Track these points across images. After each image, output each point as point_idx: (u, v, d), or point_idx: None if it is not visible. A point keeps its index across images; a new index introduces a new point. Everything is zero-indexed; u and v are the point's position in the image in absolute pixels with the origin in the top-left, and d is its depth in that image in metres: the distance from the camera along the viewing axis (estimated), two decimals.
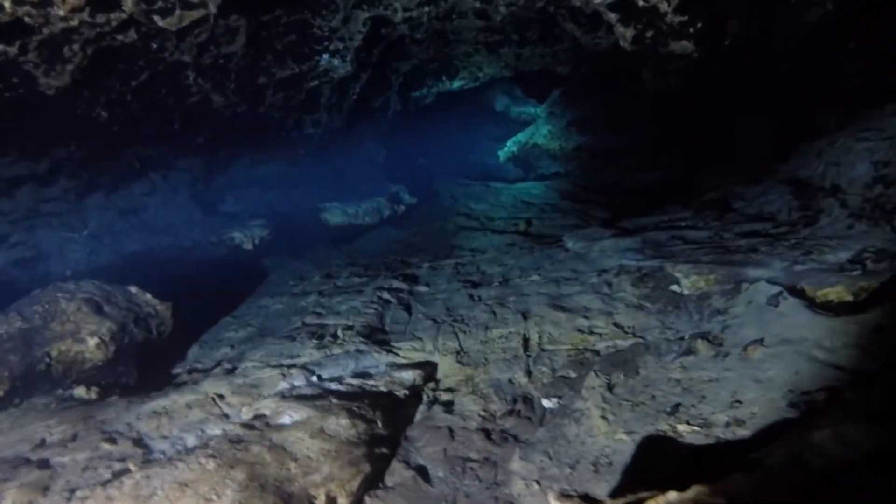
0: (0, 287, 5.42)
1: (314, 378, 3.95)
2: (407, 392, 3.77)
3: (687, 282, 4.53)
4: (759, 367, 3.32)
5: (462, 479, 3.07)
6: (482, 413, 3.61)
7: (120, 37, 5.29)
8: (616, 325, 4.31)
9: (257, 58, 7.30)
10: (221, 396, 3.68)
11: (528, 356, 4.15)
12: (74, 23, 4.70)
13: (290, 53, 7.53)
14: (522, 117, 15.37)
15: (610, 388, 3.54)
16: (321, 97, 8.61)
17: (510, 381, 3.90)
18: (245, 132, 8.21)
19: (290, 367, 4.11)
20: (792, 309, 3.69)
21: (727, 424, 2.97)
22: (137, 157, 7.19)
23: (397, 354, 4.34)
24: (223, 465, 2.68)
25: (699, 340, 3.76)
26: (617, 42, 8.05)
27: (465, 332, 4.60)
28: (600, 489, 2.77)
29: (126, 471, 2.79)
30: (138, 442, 3.19)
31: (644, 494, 2.07)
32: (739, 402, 3.11)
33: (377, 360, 4.23)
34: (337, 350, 4.38)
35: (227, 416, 3.46)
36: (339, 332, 4.69)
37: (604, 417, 3.28)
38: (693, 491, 1.94)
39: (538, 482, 2.93)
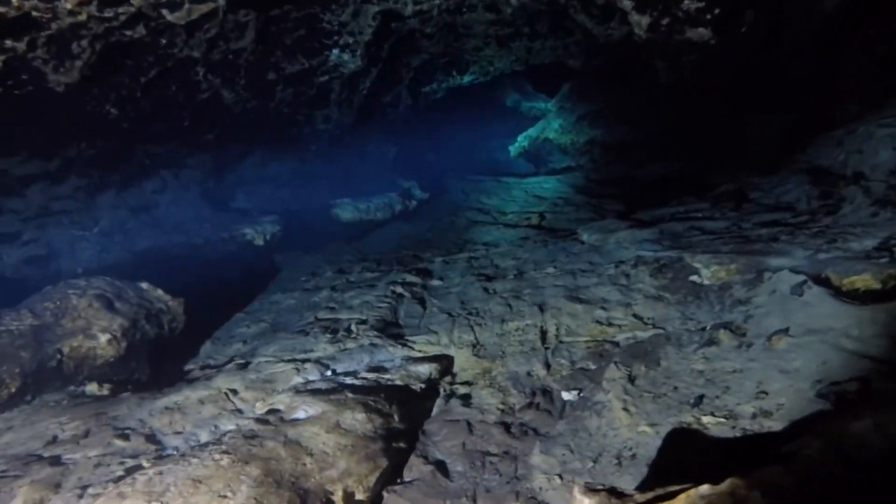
0: (12, 285, 5.40)
1: (328, 372, 3.89)
2: (423, 386, 3.70)
3: (707, 272, 4.43)
4: (785, 358, 3.22)
5: (482, 473, 3.00)
6: (500, 406, 3.53)
7: (129, 32, 5.24)
8: (635, 316, 4.22)
9: (267, 53, 7.25)
10: (235, 391, 3.62)
11: (546, 348, 4.07)
12: (82, 17, 4.66)
13: (300, 48, 7.47)
14: (533, 112, 15.28)
15: (631, 379, 3.46)
16: (331, 93, 8.55)
17: (528, 373, 3.82)
18: (255, 128, 8.16)
19: (303, 361, 4.05)
20: (817, 298, 3.58)
21: (754, 416, 2.88)
22: (148, 154, 7.15)
23: (412, 348, 4.28)
24: (237, 461, 2.62)
25: (721, 331, 3.67)
26: (629, 33, 7.95)
27: (480, 325, 4.53)
28: (624, 482, 2.69)
29: (139, 467, 2.74)
30: (151, 438, 3.14)
31: (674, 488, 1.98)
32: (765, 392, 3.02)
33: (392, 353, 4.16)
34: (351, 344, 4.31)
35: (240, 411, 3.41)
36: (353, 327, 4.63)
37: (626, 409, 3.20)
38: (728, 484, 1.85)
39: (560, 476, 2.86)
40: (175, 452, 2.92)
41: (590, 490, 2.05)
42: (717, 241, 5.07)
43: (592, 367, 3.75)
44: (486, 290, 5.21)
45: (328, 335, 4.55)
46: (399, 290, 5.42)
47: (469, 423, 3.39)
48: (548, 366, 3.86)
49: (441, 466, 3.08)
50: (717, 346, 3.57)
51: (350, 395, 3.38)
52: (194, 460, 2.62)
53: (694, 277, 4.48)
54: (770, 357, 3.28)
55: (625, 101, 12.13)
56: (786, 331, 3.43)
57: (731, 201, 6.71)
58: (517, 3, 8.03)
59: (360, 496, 2.71)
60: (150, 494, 2.38)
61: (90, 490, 2.55)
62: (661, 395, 3.25)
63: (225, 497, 2.38)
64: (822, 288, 3.67)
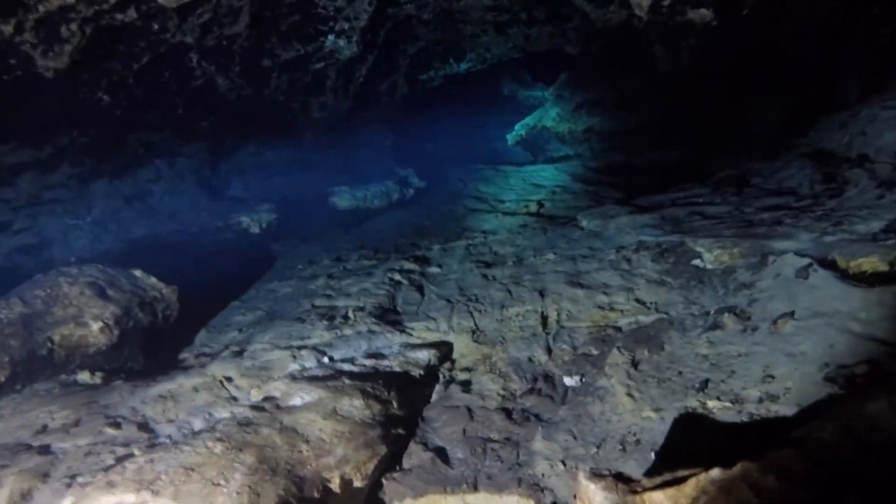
0: (5, 274, 5.31)
1: (325, 359, 3.81)
2: (422, 372, 3.63)
3: (710, 256, 4.36)
4: (791, 341, 3.15)
5: (483, 459, 2.93)
6: (501, 392, 3.46)
7: (119, 16, 5.14)
8: (637, 300, 4.15)
9: (261, 39, 7.14)
10: (230, 379, 3.55)
11: (548, 334, 4.00)
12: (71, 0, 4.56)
13: (295, 34, 7.37)
14: (531, 101, 15.17)
15: (634, 364, 3.39)
16: (327, 80, 8.45)
17: (529, 359, 3.75)
18: (251, 116, 8.07)
19: (300, 348, 3.98)
20: (823, 281, 3.51)
21: (760, 400, 2.81)
22: (141, 142, 7.05)
23: (411, 335, 4.20)
24: (231, 449, 2.55)
25: (726, 315, 3.60)
26: (628, 17, 7.87)
27: (480, 311, 4.45)
28: (629, 468, 2.62)
29: (130, 455, 2.66)
30: (143, 426, 3.06)
31: (683, 472, 1.91)
32: (772, 376, 2.95)
33: (390, 340, 4.09)
34: (348, 331, 4.24)
35: (235, 398, 3.33)
36: (350, 314, 4.55)
37: (629, 395, 3.13)
38: (739, 468, 1.78)
39: (563, 462, 2.79)
40: (168, 441, 2.85)
41: (595, 475, 1.98)
42: (720, 225, 5.00)
43: (595, 352, 3.68)
44: (485, 276, 5.13)
45: (325, 322, 4.47)
46: (397, 277, 5.34)
47: (469, 409, 3.32)
48: (549, 351, 3.79)
49: (441, 453, 3.01)
50: (722, 330, 3.50)
51: (347, 381, 3.31)
52: (187, 448, 2.54)
53: (696, 262, 4.41)
54: (776, 341, 3.21)
55: (623, 89, 12.06)
56: (791, 314, 3.37)
57: (732, 186, 6.65)
58: None
59: (357, 483, 2.64)
60: (140, 483, 2.30)
61: (79, 479, 2.48)
62: (665, 380, 3.19)
63: (218, 485, 2.30)
64: (827, 271, 3.60)
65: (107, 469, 2.51)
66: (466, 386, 3.57)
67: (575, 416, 3.12)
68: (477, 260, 5.63)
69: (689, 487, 1.82)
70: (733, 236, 4.55)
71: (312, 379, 3.36)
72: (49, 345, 3.80)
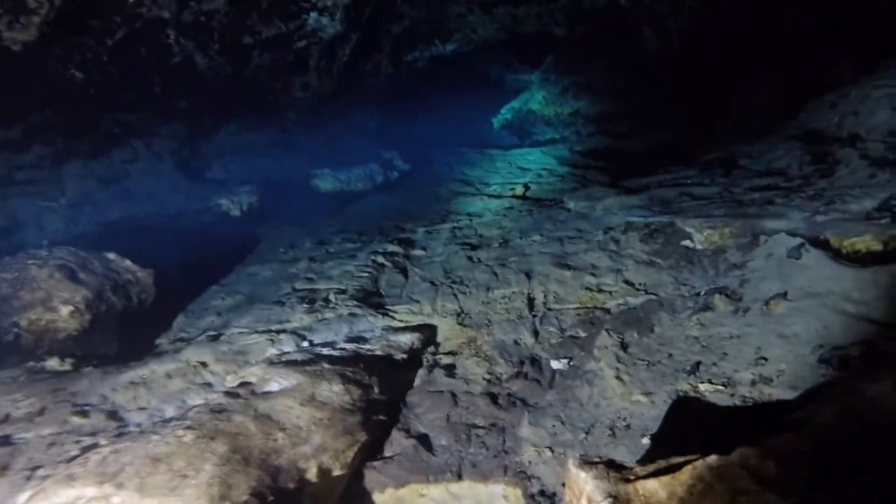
0: None
1: (305, 343, 3.69)
2: (405, 356, 3.51)
3: (700, 236, 4.26)
4: (784, 322, 3.07)
5: (467, 446, 2.82)
6: (486, 376, 3.35)
7: None
8: (626, 282, 4.04)
9: (241, 16, 6.94)
10: (205, 364, 3.41)
11: (534, 316, 3.89)
12: None
13: (276, 11, 7.16)
14: (517, 84, 14.99)
15: (623, 347, 3.29)
16: (310, 59, 8.25)
17: (515, 342, 3.64)
18: (231, 96, 7.88)
19: (278, 332, 3.85)
20: (816, 261, 3.43)
21: (753, 383, 2.73)
22: (117, 122, 6.86)
23: (394, 318, 4.08)
24: (202, 437, 2.41)
25: (717, 296, 3.51)
26: None
27: (465, 293, 4.33)
28: (619, 455, 2.53)
29: (96, 446, 2.53)
30: (112, 415, 2.93)
31: (678, 459, 1.81)
32: (764, 358, 2.87)
33: (372, 323, 3.96)
34: (329, 314, 4.11)
35: (210, 384, 3.21)
36: (332, 297, 4.42)
37: (618, 378, 3.03)
38: (738, 454, 1.68)
39: (550, 449, 2.69)
40: (136, 430, 2.71)
41: (586, 463, 1.87)
42: (709, 205, 4.90)
43: (583, 334, 3.57)
44: (470, 258, 5.01)
45: (305, 305, 4.34)
46: (380, 259, 5.21)
47: (453, 395, 3.21)
48: (536, 334, 3.68)
49: (424, 440, 2.90)
50: (713, 311, 3.42)
51: (327, 366, 3.18)
52: (155, 437, 2.40)
53: (686, 242, 4.31)
54: (768, 322, 3.13)
55: (610, 72, 11.92)
56: (784, 295, 3.28)
57: (720, 168, 6.56)
58: None
59: (336, 472, 2.52)
60: (102, 475, 2.16)
61: (40, 472, 2.34)
62: (655, 363, 3.09)
63: (186, 476, 2.17)
64: (820, 250, 3.52)
65: (70, 461, 2.37)
66: (451, 370, 3.46)
67: (562, 400, 3.02)
68: (462, 242, 5.50)
69: (685, 475, 1.72)
70: (724, 216, 4.45)
71: (290, 364, 3.23)
72: (15, 330, 3.65)
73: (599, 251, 4.56)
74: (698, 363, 2.99)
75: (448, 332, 3.89)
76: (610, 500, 1.70)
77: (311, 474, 2.43)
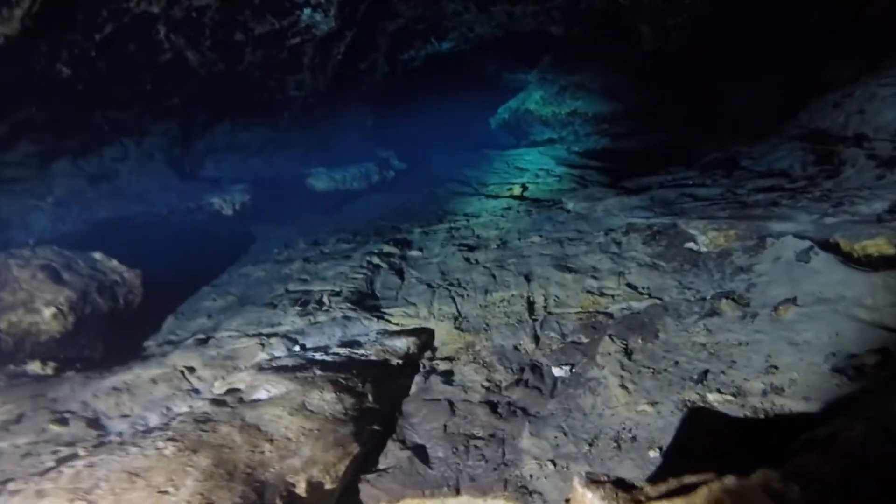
0: None
1: (296, 348, 3.55)
2: (401, 361, 3.38)
3: (704, 238, 4.14)
4: (794, 329, 2.96)
5: (465, 459, 2.69)
6: (485, 384, 3.22)
7: None
8: (629, 285, 3.92)
9: (234, 12, 6.79)
10: (192, 369, 3.28)
11: (534, 320, 3.76)
12: None
13: (269, 7, 7.01)
14: (514, 84, 14.88)
15: (627, 353, 3.17)
16: (304, 56, 8.10)
17: (515, 347, 3.51)
18: (224, 94, 7.72)
19: (269, 336, 3.71)
20: (825, 264, 3.32)
21: (764, 393, 2.61)
22: (107, 119, 6.70)
23: (389, 321, 3.95)
24: (184, 450, 2.28)
25: (723, 300, 3.39)
26: None
27: (462, 296, 4.20)
28: (625, 468, 2.40)
29: (73, 457, 2.39)
30: (93, 422, 2.79)
31: (691, 479, 1.68)
32: (775, 367, 2.75)
33: (367, 327, 3.83)
34: (322, 317, 3.97)
35: (196, 391, 3.07)
36: (325, 299, 4.28)
37: (623, 387, 2.91)
38: (758, 476, 1.55)
39: (553, 462, 2.56)
40: (116, 439, 2.57)
41: (593, 482, 1.75)
42: (713, 206, 4.79)
43: (585, 340, 3.45)
44: (467, 260, 4.88)
45: (298, 307, 4.20)
46: (376, 260, 5.08)
47: (451, 403, 3.08)
48: (536, 339, 3.56)
49: (420, 452, 2.77)
50: (720, 316, 3.30)
51: (319, 372, 3.05)
52: (133, 449, 2.27)
53: (690, 244, 4.19)
54: (778, 328, 3.02)
55: (608, 72, 11.84)
56: (793, 300, 3.17)
57: (722, 168, 6.46)
58: None
59: (327, 486, 2.39)
60: (74, 492, 2.02)
61: (10, 486, 2.19)
62: (661, 371, 2.97)
63: (165, 493, 2.04)
64: (830, 254, 3.41)
65: (42, 473, 2.23)
66: (448, 377, 3.32)
67: (565, 410, 2.90)
68: (459, 243, 5.38)
69: (700, 497, 1.59)
70: (728, 218, 4.34)
71: (281, 369, 3.10)
72: None
73: (601, 253, 4.44)
74: (706, 371, 2.87)
75: (445, 336, 3.76)
76: None
77: (301, 489, 2.29)
